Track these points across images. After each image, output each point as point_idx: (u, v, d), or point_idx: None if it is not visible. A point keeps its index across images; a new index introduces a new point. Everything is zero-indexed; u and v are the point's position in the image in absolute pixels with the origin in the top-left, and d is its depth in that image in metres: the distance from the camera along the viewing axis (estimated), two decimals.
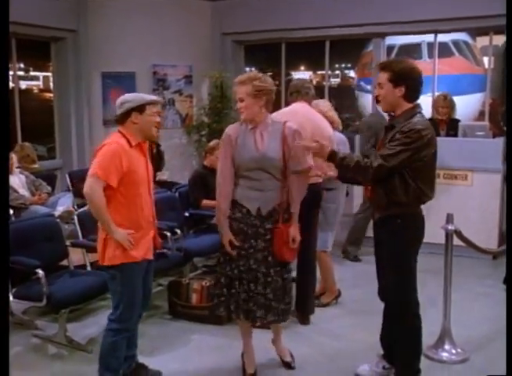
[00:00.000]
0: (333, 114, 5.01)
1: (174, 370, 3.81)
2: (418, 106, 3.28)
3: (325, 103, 5.06)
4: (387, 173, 3.14)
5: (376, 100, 3.43)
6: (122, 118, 3.35)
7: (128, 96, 3.38)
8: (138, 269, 3.36)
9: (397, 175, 3.18)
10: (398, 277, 3.31)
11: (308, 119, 4.24)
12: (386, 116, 5.43)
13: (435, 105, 6.67)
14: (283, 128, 3.45)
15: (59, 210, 6.05)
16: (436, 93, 7.56)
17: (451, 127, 6.61)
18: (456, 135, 6.58)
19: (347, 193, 5.25)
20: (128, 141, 3.32)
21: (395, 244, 3.28)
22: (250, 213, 3.42)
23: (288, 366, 3.80)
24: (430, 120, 6.50)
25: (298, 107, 4.34)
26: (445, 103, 6.57)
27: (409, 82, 3.22)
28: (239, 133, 3.46)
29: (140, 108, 3.31)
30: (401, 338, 3.41)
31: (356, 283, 5.41)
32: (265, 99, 3.41)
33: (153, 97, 3.47)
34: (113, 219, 3.25)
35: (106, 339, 3.38)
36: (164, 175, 7.27)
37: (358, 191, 5.94)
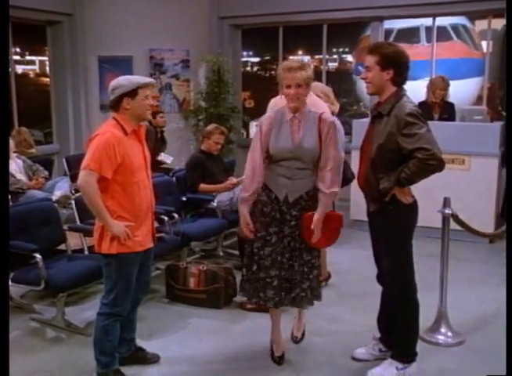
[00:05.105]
0: (334, 99, 4.97)
1: (172, 353, 3.84)
2: (403, 89, 3.27)
3: (325, 87, 5.02)
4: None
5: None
6: (115, 104, 3.28)
7: (118, 81, 3.28)
8: (135, 258, 3.34)
9: (388, 165, 3.19)
10: (396, 262, 3.33)
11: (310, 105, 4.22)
12: None
13: (432, 87, 6.60)
14: (319, 120, 3.45)
15: (57, 194, 6.08)
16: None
17: (444, 110, 6.58)
18: (449, 118, 6.56)
19: (350, 180, 5.15)
20: (123, 128, 3.25)
21: (391, 230, 3.30)
22: (278, 199, 3.45)
23: (293, 339, 3.93)
24: (424, 103, 6.49)
25: None
26: (443, 85, 6.53)
27: (397, 66, 3.21)
28: (275, 122, 3.46)
29: (132, 93, 3.23)
30: (398, 321, 3.43)
31: (351, 267, 5.44)
32: (308, 89, 3.45)
33: (145, 79, 3.34)
34: (111, 209, 3.22)
35: (97, 323, 3.39)
36: (168, 159, 7.26)
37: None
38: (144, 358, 3.70)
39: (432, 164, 3.05)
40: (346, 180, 4.93)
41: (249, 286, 3.55)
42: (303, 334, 3.98)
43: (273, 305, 3.50)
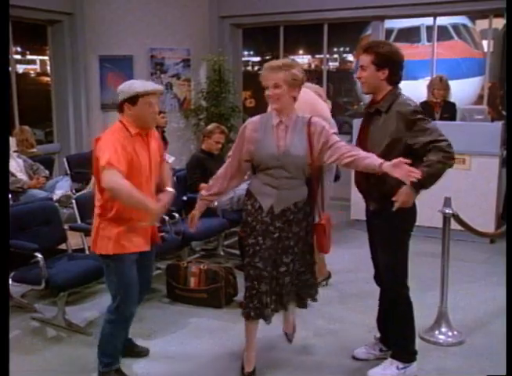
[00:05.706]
0: (326, 98, 4.97)
1: (172, 352, 3.84)
2: (398, 87, 3.28)
3: (317, 87, 5.01)
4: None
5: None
6: (119, 107, 3.29)
7: (121, 87, 3.28)
8: (131, 259, 3.31)
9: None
10: (393, 262, 3.33)
11: (306, 103, 4.21)
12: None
13: (431, 87, 6.59)
14: (308, 125, 3.24)
15: (58, 194, 6.08)
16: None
17: (445, 110, 6.56)
18: (450, 118, 6.55)
19: (339, 177, 5.14)
20: (128, 131, 3.24)
21: (389, 230, 3.29)
22: (262, 209, 3.27)
23: (286, 337, 3.90)
24: (425, 103, 6.48)
25: None
26: (441, 85, 6.51)
27: (393, 65, 3.21)
28: (259, 128, 3.27)
29: (132, 100, 3.21)
30: (395, 321, 3.44)
31: (351, 267, 5.43)
32: (298, 90, 3.25)
33: (146, 87, 3.27)
34: (114, 208, 3.21)
35: (104, 329, 3.41)
36: (170, 159, 7.28)
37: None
38: (133, 350, 3.74)
39: (452, 152, 3.09)
40: (336, 177, 4.95)
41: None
42: (294, 329, 3.89)
43: (255, 316, 3.34)
